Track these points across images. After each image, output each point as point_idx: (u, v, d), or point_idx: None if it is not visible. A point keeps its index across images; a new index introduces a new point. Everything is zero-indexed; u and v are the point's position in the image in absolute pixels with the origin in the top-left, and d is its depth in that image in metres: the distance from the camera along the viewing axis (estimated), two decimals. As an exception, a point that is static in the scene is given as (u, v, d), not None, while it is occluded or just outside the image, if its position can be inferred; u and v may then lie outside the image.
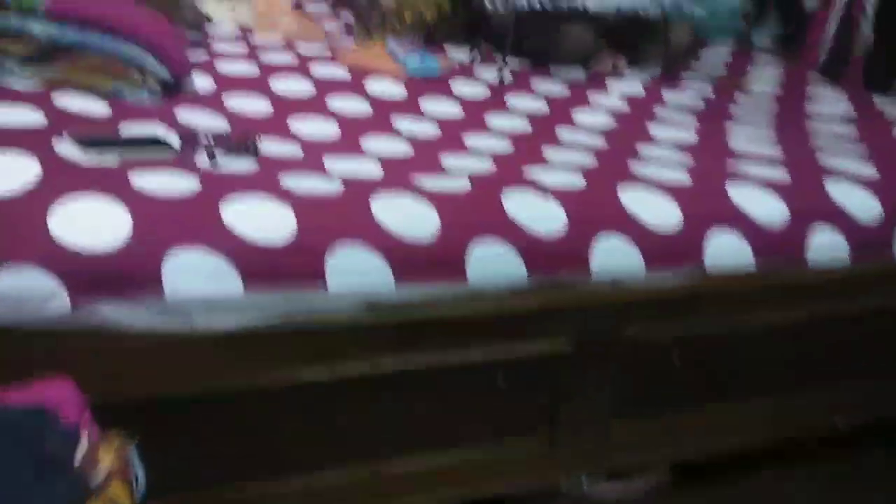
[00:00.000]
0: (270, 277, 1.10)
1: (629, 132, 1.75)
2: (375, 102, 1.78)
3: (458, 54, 2.22)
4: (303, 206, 1.16)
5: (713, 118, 1.89)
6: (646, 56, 2.32)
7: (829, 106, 2.01)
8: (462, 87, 1.95)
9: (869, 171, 1.61)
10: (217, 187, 1.18)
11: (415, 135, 1.62)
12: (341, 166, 1.38)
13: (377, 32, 2.23)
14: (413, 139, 1.59)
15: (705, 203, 1.42)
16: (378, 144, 1.54)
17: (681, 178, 1.48)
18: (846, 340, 1.62)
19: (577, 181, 1.41)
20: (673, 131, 1.77)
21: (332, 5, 2.68)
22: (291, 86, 1.80)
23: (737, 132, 1.80)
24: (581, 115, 1.84)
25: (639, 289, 1.37)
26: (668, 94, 2.04)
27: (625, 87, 2.05)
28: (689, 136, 1.76)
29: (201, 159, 1.30)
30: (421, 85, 1.93)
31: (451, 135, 1.65)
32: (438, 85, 1.95)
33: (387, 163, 1.43)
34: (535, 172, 1.42)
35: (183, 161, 1.27)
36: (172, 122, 1.45)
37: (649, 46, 2.28)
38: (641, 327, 1.41)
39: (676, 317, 1.43)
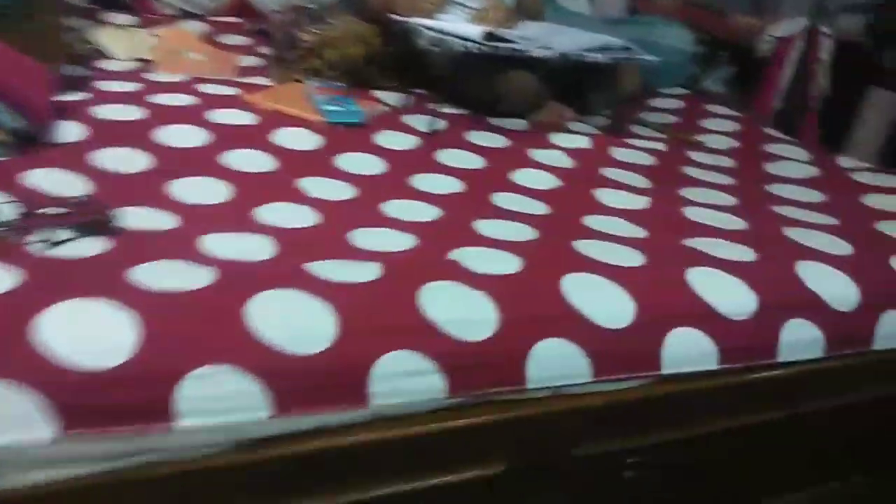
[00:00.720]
0: (95, 416, 0.82)
1: (575, 198, 1.52)
2: (283, 157, 1.51)
3: (389, 98, 1.98)
4: (153, 314, 0.88)
5: (667, 180, 1.67)
6: (593, 105, 2.12)
7: (791, 167, 1.82)
8: (388, 138, 1.70)
9: (842, 248, 1.41)
10: (42, 284, 0.90)
11: (325, 199, 1.36)
12: (223, 247, 1.10)
13: (296, 71, 1.97)
14: (321, 206, 1.33)
15: (663, 295, 1.19)
16: (276, 214, 1.27)
17: (633, 260, 1.26)
18: (822, 442, 1.41)
19: (512, 266, 1.17)
20: (624, 196, 1.55)
21: (251, 37, 2.42)
22: (182, 136, 1.52)
23: (694, 198, 1.59)
24: (521, 175, 1.60)
25: (586, 399, 1.13)
26: (618, 151, 1.82)
27: (571, 141, 1.83)
28: (642, 202, 1.53)
29: (34, 240, 1.01)
30: (340, 135, 1.66)
31: (369, 199, 1.40)
32: (361, 135, 1.69)
33: (283, 238, 1.17)
34: (463, 255, 1.18)
35: (6, 243, 0.99)
36: (13, 186, 1.16)
37: (597, 95, 2.08)
38: (591, 443, 1.17)
39: (631, 429, 1.20)
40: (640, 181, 1.66)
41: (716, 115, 2.23)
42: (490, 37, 1.71)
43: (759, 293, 1.23)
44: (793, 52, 2.44)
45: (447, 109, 1.92)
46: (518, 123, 1.93)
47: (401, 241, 1.22)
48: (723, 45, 2.80)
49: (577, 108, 2.04)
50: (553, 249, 1.26)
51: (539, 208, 1.45)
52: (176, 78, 1.89)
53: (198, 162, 1.41)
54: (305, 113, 1.74)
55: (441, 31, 1.77)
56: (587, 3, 2.92)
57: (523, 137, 1.83)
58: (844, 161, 1.90)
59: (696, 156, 1.88)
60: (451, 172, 1.56)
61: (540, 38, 1.86)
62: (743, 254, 1.33)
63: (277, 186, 1.38)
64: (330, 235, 1.23)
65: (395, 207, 1.37)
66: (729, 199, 1.60)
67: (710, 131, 2.09)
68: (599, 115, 2.10)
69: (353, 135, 1.69)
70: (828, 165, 1.86)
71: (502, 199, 1.47)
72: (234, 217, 1.24)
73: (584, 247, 1.27)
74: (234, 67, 2.07)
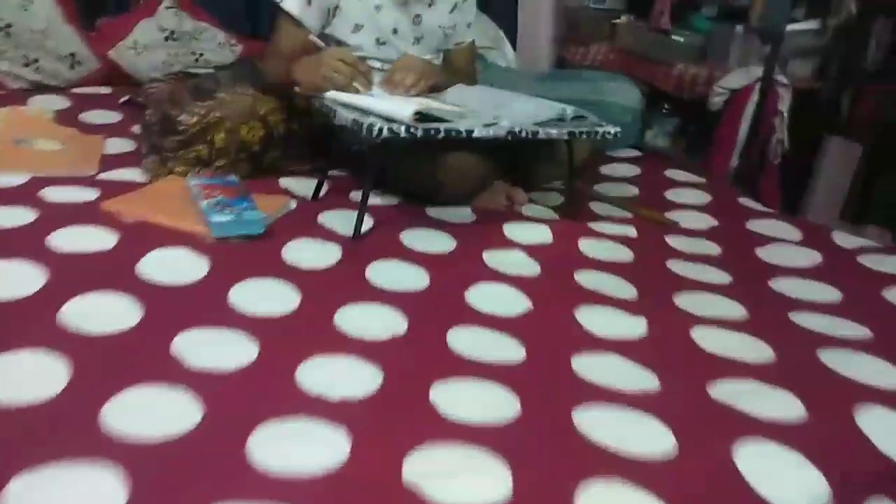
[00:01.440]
0: None
1: (553, 325, 1.14)
2: (151, 300, 1.07)
3: (300, 186, 1.59)
4: None
5: (655, 284, 1.33)
6: (542, 179, 1.79)
7: (787, 252, 1.52)
8: (301, 251, 1.29)
9: (891, 376, 1.11)
10: None
11: (209, 372, 0.95)
12: None
13: (176, 162, 1.55)
14: (204, 385, 0.92)
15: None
16: (137, 411, 0.86)
17: (655, 440, 0.90)
18: None
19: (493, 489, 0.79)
20: (613, 317, 1.19)
21: (124, 111, 1.97)
22: (8, 278, 1.08)
23: (696, 310, 1.24)
24: (477, 295, 1.22)
25: None
26: (586, 243, 1.48)
27: (529, 234, 1.48)
28: (638, 327, 1.17)
29: None
30: (233, 256, 1.24)
31: (277, 361, 1.00)
32: (262, 252, 1.27)
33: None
34: (408, 467, 0.79)
35: None
36: None
37: (546, 169, 1.75)
38: None
39: None
40: (623, 288, 1.31)
41: (678, 183, 1.93)
42: (421, 117, 1.35)
43: (825, 471, 0.89)
44: (748, 104, 2.20)
45: (374, 200, 1.55)
46: (462, 214, 1.56)
47: (313, 456, 0.83)
48: (664, 97, 2.55)
49: (523, 184, 1.71)
50: (545, 442, 0.89)
51: (509, 351, 1.07)
52: (15, 180, 1.44)
53: (24, 324, 0.98)
54: (186, 224, 1.31)
55: (360, 110, 1.40)
56: (515, 58, 2.62)
57: (472, 234, 1.46)
58: (841, 238, 1.62)
59: (674, 241, 1.56)
60: (386, 300, 1.18)
61: (479, 108, 1.52)
62: (788, 405, 1.00)
63: (138, 357, 0.96)
64: (219, 450, 0.82)
65: (306, 375, 0.97)
66: (737, 309, 1.27)
67: (679, 205, 1.78)
68: (549, 188, 1.78)
69: (251, 252, 1.27)
70: (827, 245, 1.57)
71: (459, 341, 1.08)
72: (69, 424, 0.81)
73: (588, 425, 0.91)
74: (97, 158, 1.63)
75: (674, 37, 2.50)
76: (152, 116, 1.58)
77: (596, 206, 1.72)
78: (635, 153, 2.18)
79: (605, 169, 2.03)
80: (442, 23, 1.73)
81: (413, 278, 1.26)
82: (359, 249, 1.34)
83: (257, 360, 0.99)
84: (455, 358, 1.05)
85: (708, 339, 1.15)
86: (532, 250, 1.42)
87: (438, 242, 1.41)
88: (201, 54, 2.25)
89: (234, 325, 1.06)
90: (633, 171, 2.04)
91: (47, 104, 1.96)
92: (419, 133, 1.32)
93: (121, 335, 1.01)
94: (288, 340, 1.05)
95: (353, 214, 1.39)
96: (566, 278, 1.33)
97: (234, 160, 1.56)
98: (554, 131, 1.47)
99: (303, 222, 1.42)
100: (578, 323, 1.18)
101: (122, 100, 2.03)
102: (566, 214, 1.62)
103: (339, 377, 0.98)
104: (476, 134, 1.38)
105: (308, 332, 1.08)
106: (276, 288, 1.18)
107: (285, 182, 1.62)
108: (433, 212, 1.55)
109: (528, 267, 1.36)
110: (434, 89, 1.60)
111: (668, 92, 2.48)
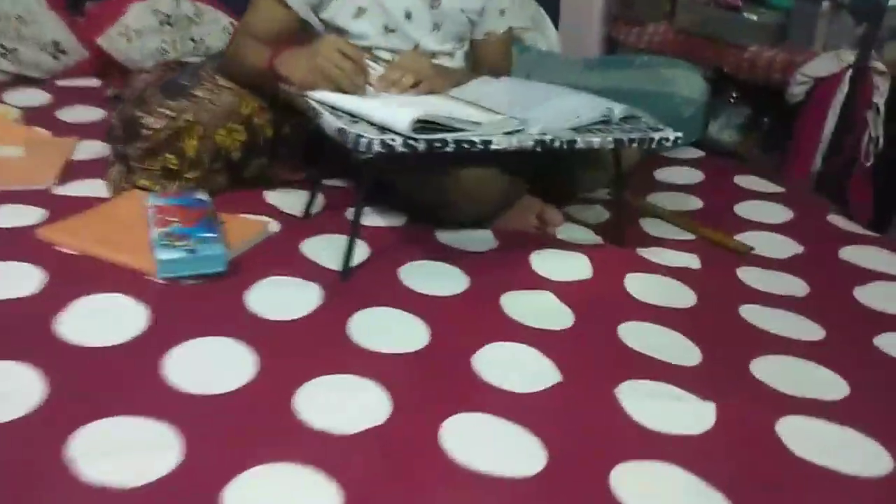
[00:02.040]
0: None
1: (583, 417, 0.85)
2: (56, 368, 0.83)
3: (288, 201, 1.33)
4: None
5: (725, 343, 1.03)
6: (579, 188, 1.48)
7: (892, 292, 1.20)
8: (267, 297, 1.02)
9: None
10: None
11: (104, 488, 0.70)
12: None
13: (139, 175, 1.30)
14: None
15: None
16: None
17: None
18: None
19: None
20: (665, 401, 0.88)
21: (112, 108, 1.73)
22: None
23: (783, 383, 0.93)
24: (484, 364, 0.93)
25: None
26: (637, 282, 1.17)
27: (562, 267, 1.19)
28: (700, 416, 0.87)
29: None
30: (178, 303, 0.99)
31: (221, 462, 0.74)
32: (217, 296, 1.01)
33: None
34: None
35: None
36: None
37: (586, 175, 1.44)
38: None
39: None
40: (683, 351, 1.00)
41: (751, 193, 1.59)
42: (424, 126, 1.06)
43: None
44: (836, 95, 1.85)
45: (373, 219, 1.27)
46: (480, 239, 1.27)
47: None
48: (732, 83, 2.19)
49: (558, 194, 1.41)
50: None
51: (524, 460, 0.78)
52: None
53: None
54: (131, 259, 1.05)
55: (351, 114, 1.12)
56: (558, 41, 2.29)
57: (489, 268, 1.17)
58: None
59: (748, 275, 1.24)
60: (366, 368, 0.89)
61: (504, 106, 1.22)
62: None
63: (34, 464, 0.72)
64: None
65: (265, 474, 0.71)
66: (835, 385, 0.96)
67: (753, 224, 1.45)
68: (590, 198, 1.47)
69: (204, 299, 1.01)
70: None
71: (457, 437, 0.80)
72: None
73: None
74: (58, 167, 1.39)
75: (746, 14, 2.12)
76: (116, 118, 1.33)
77: (648, 225, 1.41)
78: (697, 153, 1.84)
79: (660, 174, 1.70)
80: (466, 6, 1.42)
81: (406, 335, 0.98)
82: (344, 291, 1.07)
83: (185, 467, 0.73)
84: (453, 465, 0.77)
85: (800, 438, 0.85)
86: (565, 291, 1.13)
87: (446, 281, 1.12)
88: (201, 40, 2.00)
89: (164, 415, 0.80)
90: (694, 176, 1.70)
91: (25, 99, 1.74)
92: (421, 146, 1.03)
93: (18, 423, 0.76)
94: (233, 432, 0.79)
95: (345, 240, 1.12)
96: (607, 335, 1.02)
97: (208, 171, 1.30)
98: (596, 140, 1.16)
99: (281, 252, 1.15)
100: (622, 411, 0.88)
101: (111, 94, 1.80)
102: (611, 238, 1.31)
103: (294, 491, 0.71)
104: (495, 145, 1.08)
105: (259, 420, 0.81)
106: (229, 351, 0.91)
107: (272, 196, 1.35)
108: (444, 236, 1.26)
109: (558, 317, 1.06)
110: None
111: (737, 78, 2.12)
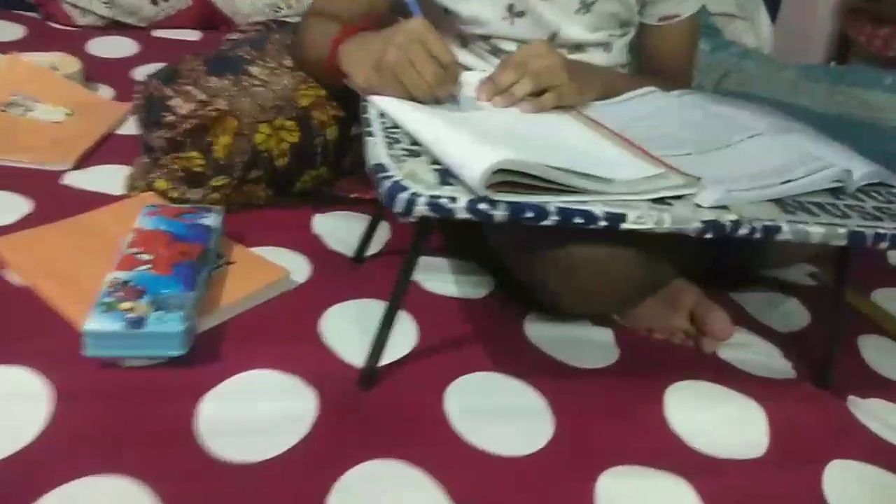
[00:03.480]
0: None
1: None
2: None
3: (341, 235, 0.95)
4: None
5: None
6: (758, 267, 0.98)
7: None
8: (231, 411, 0.66)
9: None
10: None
11: None
12: None
13: (158, 174, 0.98)
14: None
15: None
16: None
17: None
18: None
19: None
20: None
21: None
22: None
23: None
24: None
25: None
26: (845, 470, 0.69)
27: (715, 424, 0.71)
28: None
29: None
30: (98, 402, 0.64)
31: None
32: (161, 397, 0.65)
33: None
34: None
35: None
36: None
37: (771, 246, 0.94)
38: None
39: None
40: None
41: None
42: (508, 178, 0.62)
43: None
44: None
45: (439, 278, 0.87)
46: (594, 342, 0.81)
47: None
48: None
49: (725, 277, 0.92)
50: None
51: None
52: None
53: None
54: (77, 310, 0.73)
55: (412, 141, 0.71)
56: (770, 37, 1.71)
57: (594, 412, 0.72)
58: None
59: None
60: None
61: (668, 142, 0.76)
62: None
63: None
64: None
65: None
66: None
67: None
68: (772, 281, 0.98)
69: (141, 400, 0.65)
70: None
71: None
72: None
73: None
74: (90, 143, 1.11)
75: None
76: (142, 93, 1.01)
77: (875, 349, 0.89)
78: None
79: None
80: (634, -22, 0.96)
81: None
82: (352, 413, 0.68)
83: None
84: None
85: None
86: (708, 483, 0.67)
87: (517, 421, 0.70)
88: (321, -3, 1.66)
89: None
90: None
91: (109, 48, 1.50)
92: (499, 213, 0.61)
93: None
94: None
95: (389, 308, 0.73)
96: None
97: (241, 179, 0.95)
98: (817, 230, 0.67)
99: (287, 324, 0.78)
100: None
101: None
102: (814, 374, 0.82)
103: None
104: (631, 223, 0.63)
105: None
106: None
107: (323, 222, 0.97)
108: (536, 331, 0.83)
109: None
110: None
111: None
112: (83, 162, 1.07)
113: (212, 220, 0.84)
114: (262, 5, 1.63)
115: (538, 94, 0.81)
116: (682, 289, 0.84)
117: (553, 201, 0.61)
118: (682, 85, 1.02)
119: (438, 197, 0.59)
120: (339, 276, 0.87)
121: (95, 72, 1.37)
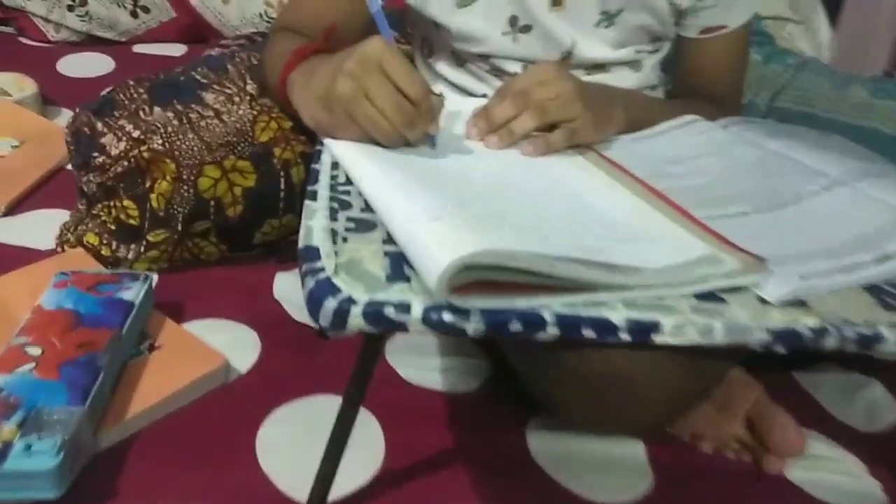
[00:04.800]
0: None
1: None
2: None
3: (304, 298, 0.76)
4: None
5: None
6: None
7: None
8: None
9: None
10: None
11: None
12: None
13: (90, 225, 0.82)
14: None
15: None
16: None
17: None
18: None
19: None
20: None
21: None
22: None
23: None
24: None
25: None
26: None
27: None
28: None
29: None
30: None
31: None
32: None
33: None
34: None
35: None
36: None
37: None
38: None
39: None
40: None
41: None
42: (480, 274, 0.40)
43: None
44: None
45: (423, 363, 0.68)
46: (620, 468, 0.62)
47: None
48: None
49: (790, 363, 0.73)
50: None
51: None
52: None
53: None
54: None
55: (366, 208, 0.52)
56: (830, 43, 1.48)
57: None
58: None
59: None
60: None
61: (717, 195, 0.56)
62: None
63: None
64: None
65: None
66: None
67: None
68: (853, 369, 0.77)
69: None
70: None
71: None
72: None
73: None
74: (31, 182, 0.95)
75: None
76: (69, 126, 0.84)
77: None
78: None
79: None
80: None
81: None
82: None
83: None
84: None
85: None
86: None
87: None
88: (317, 5, 1.48)
89: None
90: None
91: (82, 66, 1.34)
92: (472, 327, 0.42)
93: None
94: None
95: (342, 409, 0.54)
96: None
97: (184, 234, 0.78)
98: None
99: (213, 437, 0.59)
100: None
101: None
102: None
103: None
104: (664, 336, 0.44)
105: None
106: None
107: (285, 281, 0.79)
108: (539, 442, 0.62)
109: None
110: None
111: None
112: (17, 206, 0.91)
113: (135, 291, 0.67)
114: (252, 15, 1.47)
115: (546, 129, 0.62)
116: (738, 385, 0.63)
117: (552, 305, 0.42)
118: (730, 112, 0.82)
119: (383, 304, 0.41)
120: (294, 360, 0.69)
121: (62, 94, 1.21)
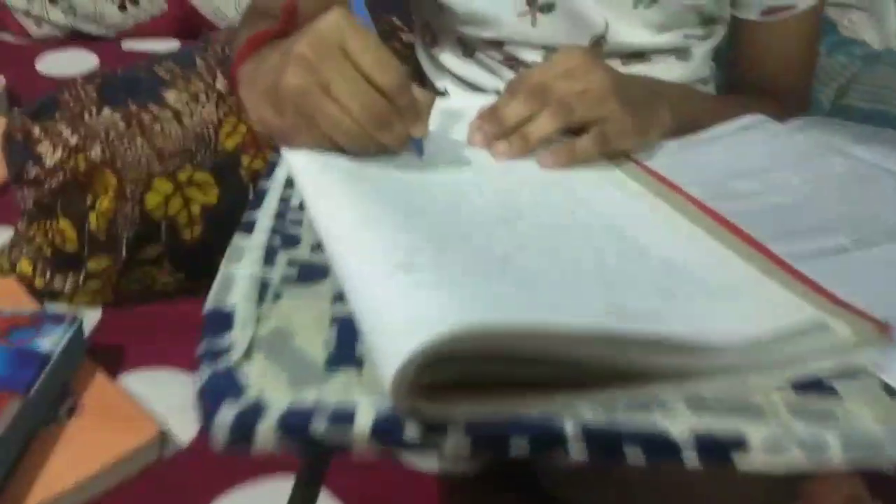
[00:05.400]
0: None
1: None
2: None
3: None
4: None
5: None
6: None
7: None
8: None
9: None
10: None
11: None
12: None
13: (22, 249, 0.69)
14: None
15: None
16: None
17: None
18: None
19: None
20: None
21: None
22: None
23: None
24: None
25: None
26: None
27: None
28: None
29: None
30: None
31: None
32: None
33: None
34: None
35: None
36: None
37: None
38: None
39: None
40: None
41: None
42: (465, 360, 0.26)
43: None
44: None
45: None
46: None
47: None
48: None
49: None
50: None
51: None
52: None
53: None
54: None
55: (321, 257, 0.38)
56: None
57: None
58: None
59: None
60: None
61: (811, 224, 0.42)
62: None
63: None
64: None
65: None
66: None
67: None
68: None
69: None
70: None
71: None
72: None
73: None
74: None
75: None
76: (3, 133, 0.72)
77: None
78: None
79: None
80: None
81: None
82: None
83: None
84: None
85: None
86: None
87: None
88: (321, -5, 1.36)
89: None
90: None
91: (63, 64, 1.23)
92: (450, 444, 0.28)
93: None
94: None
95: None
96: None
97: (130, 261, 0.65)
98: None
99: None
100: None
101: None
102: None
103: None
104: (752, 457, 0.29)
105: None
106: None
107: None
108: None
109: None
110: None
111: None
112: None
113: (55, 339, 0.53)
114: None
115: (572, 133, 0.47)
116: (826, 479, 0.48)
117: (577, 409, 0.27)
118: (797, 111, 0.66)
119: (311, 412, 0.26)
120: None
121: (39, 94, 1.09)
